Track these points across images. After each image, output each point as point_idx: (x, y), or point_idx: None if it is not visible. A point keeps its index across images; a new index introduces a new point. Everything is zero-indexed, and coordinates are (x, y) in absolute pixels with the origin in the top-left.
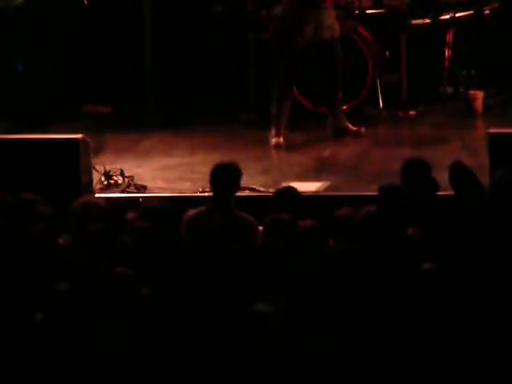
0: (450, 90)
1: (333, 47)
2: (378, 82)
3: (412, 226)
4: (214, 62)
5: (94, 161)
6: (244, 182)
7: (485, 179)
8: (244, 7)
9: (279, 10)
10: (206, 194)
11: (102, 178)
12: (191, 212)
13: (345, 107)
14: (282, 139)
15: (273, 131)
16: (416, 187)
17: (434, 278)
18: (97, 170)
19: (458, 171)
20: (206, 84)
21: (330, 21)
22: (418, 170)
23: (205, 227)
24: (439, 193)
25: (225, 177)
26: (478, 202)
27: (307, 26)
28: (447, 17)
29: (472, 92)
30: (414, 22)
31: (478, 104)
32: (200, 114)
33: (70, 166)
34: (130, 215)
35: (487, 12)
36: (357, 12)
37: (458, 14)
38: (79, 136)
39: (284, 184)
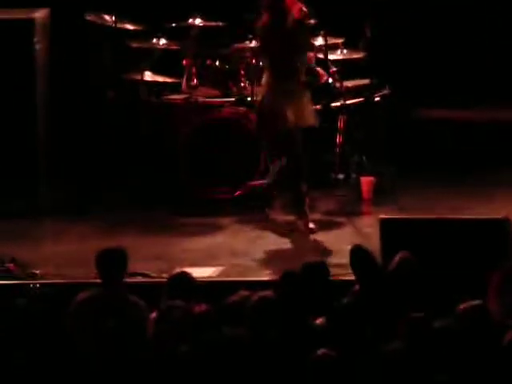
0: (341, 176)
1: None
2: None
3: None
4: (110, 147)
5: None
6: (137, 267)
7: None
8: (137, 93)
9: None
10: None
11: None
12: (81, 296)
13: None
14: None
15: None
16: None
17: (333, 365)
18: None
19: (359, 255)
20: (104, 169)
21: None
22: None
23: (95, 312)
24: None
25: (110, 262)
26: (378, 286)
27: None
28: (338, 104)
29: (363, 178)
30: None
31: (369, 190)
32: (96, 198)
33: None
34: (21, 301)
35: (377, 99)
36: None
37: (348, 101)
38: None
39: (178, 270)
